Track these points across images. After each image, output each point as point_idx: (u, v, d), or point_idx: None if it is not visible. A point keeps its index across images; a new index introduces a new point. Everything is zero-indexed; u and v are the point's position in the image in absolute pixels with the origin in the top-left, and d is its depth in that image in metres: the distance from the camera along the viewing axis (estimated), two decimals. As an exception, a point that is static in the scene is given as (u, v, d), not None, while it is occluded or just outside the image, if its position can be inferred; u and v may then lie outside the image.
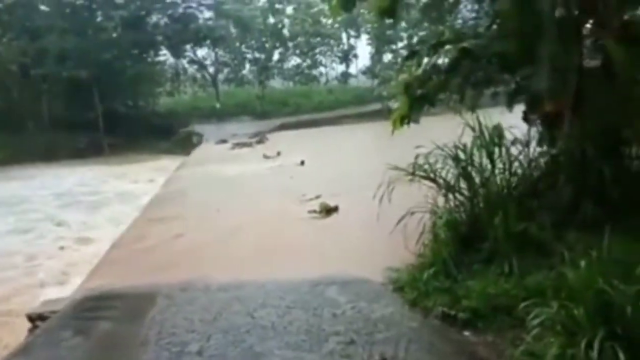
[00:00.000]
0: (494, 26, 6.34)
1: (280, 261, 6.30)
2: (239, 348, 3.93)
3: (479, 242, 4.66)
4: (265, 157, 16.47)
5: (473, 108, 6.87)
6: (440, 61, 6.48)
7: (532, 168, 4.96)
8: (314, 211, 8.56)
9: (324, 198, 9.18)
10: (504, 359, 3.33)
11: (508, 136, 5.25)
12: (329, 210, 8.54)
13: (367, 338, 3.91)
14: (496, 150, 4.88)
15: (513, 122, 5.66)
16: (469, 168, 4.86)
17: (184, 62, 34.26)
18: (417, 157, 5.27)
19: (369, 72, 34.14)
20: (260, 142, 21.70)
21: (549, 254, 4.30)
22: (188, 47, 32.61)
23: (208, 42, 32.24)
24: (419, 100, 7.06)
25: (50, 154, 25.56)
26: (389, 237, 6.54)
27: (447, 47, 6.50)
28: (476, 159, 5.11)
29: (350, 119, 27.33)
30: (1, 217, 13.16)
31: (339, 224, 7.95)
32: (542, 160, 5.22)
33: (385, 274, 5.29)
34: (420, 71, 6.65)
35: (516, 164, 4.99)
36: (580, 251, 3.99)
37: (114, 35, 27.95)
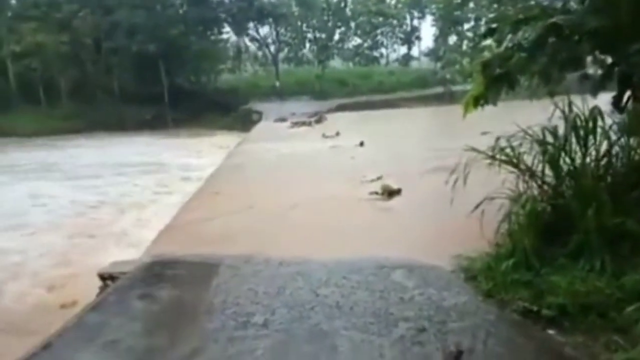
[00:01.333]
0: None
1: (341, 241, 6.15)
2: (304, 325, 3.83)
3: (564, 235, 4.27)
4: (325, 136, 16.36)
5: (552, 93, 6.36)
6: (524, 39, 6.00)
7: (629, 158, 4.47)
8: (376, 193, 8.34)
9: (385, 180, 8.94)
10: (598, 363, 3.02)
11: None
12: (391, 193, 8.29)
13: (439, 327, 3.69)
14: (590, 136, 4.42)
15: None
16: (558, 154, 4.44)
17: (246, 40, 34.69)
18: (497, 139, 4.88)
19: (432, 54, 33.14)
20: (318, 121, 21.63)
21: (647, 252, 3.88)
22: (251, 25, 32.91)
23: (270, 20, 32.37)
24: (498, 80, 6.62)
25: (119, 125, 26.83)
26: (458, 224, 6.26)
27: (533, 23, 6.02)
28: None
29: (411, 101, 26.71)
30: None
31: (402, 207, 7.69)
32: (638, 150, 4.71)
33: (454, 262, 5.02)
34: (502, 48, 6.21)
35: (611, 152, 4.51)
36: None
37: (181, 11, 28.61)
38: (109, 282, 5.53)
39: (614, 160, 4.46)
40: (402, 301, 4.24)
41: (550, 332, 3.52)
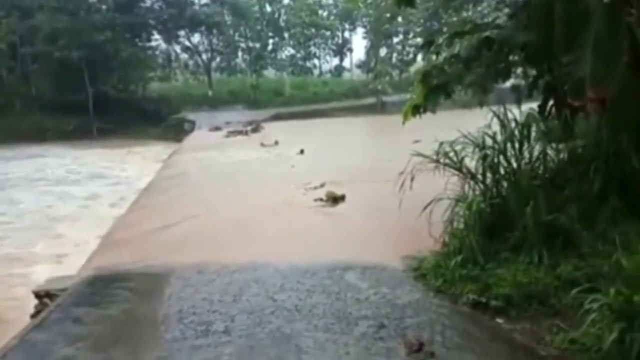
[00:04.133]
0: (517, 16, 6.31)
1: (292, 247, 6.18)
2: (266, 329, 3.83)
3: (504, 232, 4.61)
4: (263, 145, 16.31)
5: (482, 103, 6.87)
6: (462, 50, 6.42)
7: (558, 160, 4.93)
8: (321, 199, 8.46)
9: (328, 187, 9.09)
10: (544, 346, 3.29)
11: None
12: (335, 199, 8.44)
13: (397, 322, 3.84)
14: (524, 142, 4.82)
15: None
16: (497, 158, 4.80)
17: (177, 48, 33.83)
18: (441, 144, 5.18)
19: (363, 66, 34.11)
20: (255, 130, 21.52)
21: (577, 244, 4.29)
22: (182, 32, 32.15)
23: (202, 28, 31.80)
24: (436, 90, 7.03)
25: (38, 136, 24.99)
26: (403, 226, 6.54)
27: (467, 36, 6.46)
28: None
29: (345, 111, 27.27)
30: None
31: (348, 212, 7.86)
32: (564, 153, 5.18)
33: (403, 262, 5.24)
34: (441, 59, 6.60)
35: (542, 155, 4.94)
36: (611, 242, 4.00)
37: (107, 17, 27.33)
38: (45, 300, 5.19)
39: (544, 162, 4.87)
40: (358, 301, 4.36)
41: (499, 320, 3.79)
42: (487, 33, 6.16)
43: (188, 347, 3.52)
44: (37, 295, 5.26)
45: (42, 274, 7.14)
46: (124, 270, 5.47)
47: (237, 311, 4.20)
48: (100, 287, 5.02)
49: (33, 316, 5.09)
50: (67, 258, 7.89)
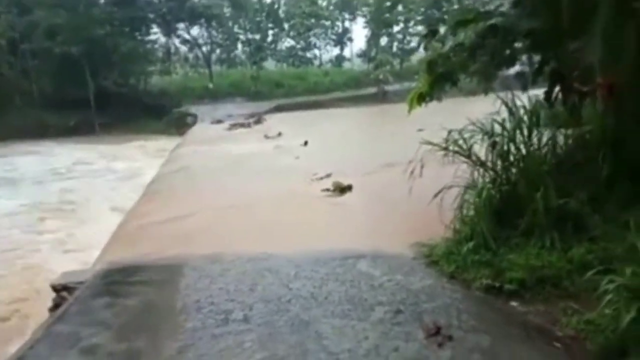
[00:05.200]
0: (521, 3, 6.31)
1: (302, 236, 6.25)
2: (284, 317, 3.91)
3: (514, 218, 4.67)
4: (267, 137, 16.35)
5: (487, 90, 6.90)
6: (466, 39, 6.43)
7: (566, 145, 4.97)
8: (328, 190, 8.53)
9: (334, 178, 9.15)
10: (560, 327, 3.37)
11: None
12: (342, 189, 8.51)
13: (413, 308, 3.92)
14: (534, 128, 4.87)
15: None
16: (507, 144, 4.85)
17: (176, 41, 33.71)
18: (449, 132, 5.23)
19: (364, 55, 33.99)
20: (257, 122, 21.52)
21: (587, 228, 4.35)
22: (181, 25, 32.02)
23: (202, 21, 31.67)
24: (441, 78, 7.05)
25: (39, 132, 25.01)
26: (411, 215, 6.62)
27: (472, 25, 6.47)
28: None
29: (346, 101, 27.22)
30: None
31: (355, 202, 7.93)
32: (570, 139, 5.23)
33: (414, 249, 5.31)
34: (447, 48, 6.61)
35: (550, 141, 4.99)
36: (622, 225, 4.06)
37: (106, 11, 27.23)
38: (63, 293, 5.28)
39: (555, 147, 4.92)
40: (372, 288, 4.44)
41: (513, 304, 3.86)
42: (492, 21, 6.17)
43: (209, 336, 3.60)
44: (55, 288, 5.35)
45: (57, 267, 7.30)
46: (138, 262, 5.54)
47: (254, 300, 4.28)
48: (116, 279, 5.10)
49: (52, 309, 5.20)
50: (80, 252, 7.98)
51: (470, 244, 4.51)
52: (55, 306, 5.12)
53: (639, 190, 4.50)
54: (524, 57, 7.04)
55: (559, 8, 4.58)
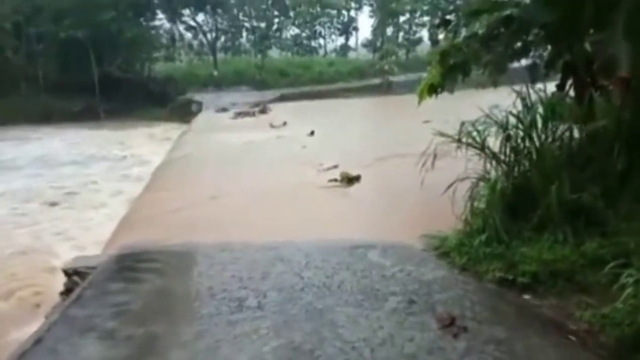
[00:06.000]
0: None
1: (311, 226, 6.27)
2: (298, 305, 3.94)
3: (526, 211, 4.68)
4: (272, 126, 16.30)
5: (495, 83, 6.88)
6: (481, 29, 6.39)
7: (580, 139, 4.96)
8: (335, 180, 8.53)
9: (341, 168, 9.15)
10: (574, 321, 3.39)
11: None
12: (350, 179, 8.50)
13: (426, 298, 3.94)
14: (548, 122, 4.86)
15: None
16: (522, 138, 4.84)
17: (181, 27, 33.52)
18: (462, 124, 5.22)
19: (369, 45, 33.80)
20: (262, 111, 21.45)
21: (600, 222, 4.35)
22: (186, 12, 31.81)
23: (207, 7, 31.45)
24: (454, 69, 7.02)
25: (44, 117, 24.97)
26: (417, 206, 6.64)
27: (486, 15, 6.42)
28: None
29: (351, 92, 27.08)
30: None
31: (363, 192, 7.94)
32: (583, 133, 5.21)
33: (423, 241, 5.32)
34: (460, 39, 6.57)
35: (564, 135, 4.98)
36: (636, 220, 4.07)
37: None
38: (75, 277, 5.32)
39: (570, 141, 4.90)
40: (384, 278, 4.47)
41: (526, 297, 3.88)
42: (507, 11, 6.12)
43: (225, 322, 3.64)
44: (67, 273, 5.38)
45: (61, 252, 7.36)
46: (149, 248, 5.57)
47: (267, 287, 4.31)
48: (128, 265, 5.13)
49: (63, 293, 5.24)
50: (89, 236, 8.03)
51: (483, 237, 4.52)
52: (67, 290, 5.16)
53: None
54: (537, 49, 7.02)
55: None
